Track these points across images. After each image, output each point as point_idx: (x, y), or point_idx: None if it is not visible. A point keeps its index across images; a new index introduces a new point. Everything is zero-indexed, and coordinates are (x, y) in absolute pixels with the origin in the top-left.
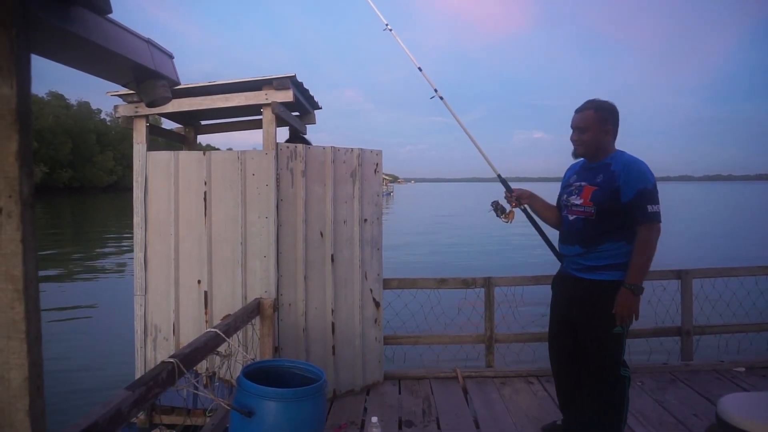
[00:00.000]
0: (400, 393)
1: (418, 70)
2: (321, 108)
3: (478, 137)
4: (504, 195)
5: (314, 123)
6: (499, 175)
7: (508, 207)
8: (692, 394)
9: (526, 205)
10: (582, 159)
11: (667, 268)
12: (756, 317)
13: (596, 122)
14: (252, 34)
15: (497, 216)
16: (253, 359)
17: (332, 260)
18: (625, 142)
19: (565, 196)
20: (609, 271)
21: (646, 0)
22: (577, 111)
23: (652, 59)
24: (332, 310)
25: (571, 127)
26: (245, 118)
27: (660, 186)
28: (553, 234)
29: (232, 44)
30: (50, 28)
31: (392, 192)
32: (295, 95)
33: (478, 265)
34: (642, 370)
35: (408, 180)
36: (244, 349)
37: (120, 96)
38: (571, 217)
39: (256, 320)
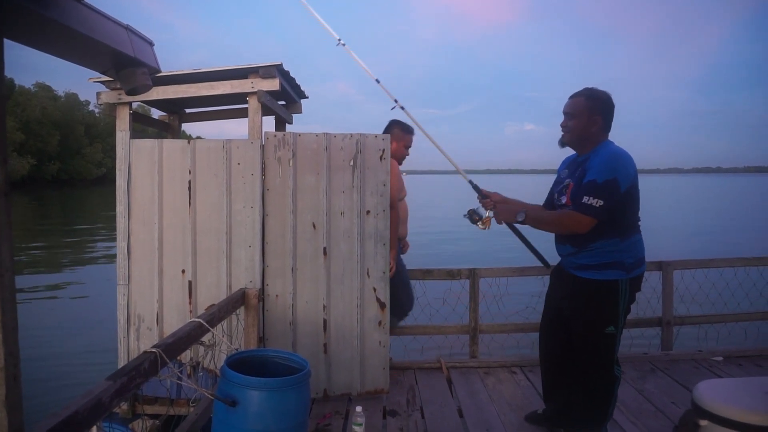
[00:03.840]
0: None
1: (376, 82)
2: (308, 97)
3: (469, 130)
4: (478, 200)
5: (300, 112)
6: (470, 181)
7: (484, 213)
8: (671, 382)
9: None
10: (575, 153)
11: (648, 259)
12: (734, 307)
13: (585, 110)
14: (243, 25)
15: (473, 223)
16: (236, 349)
17: (325, 253)
18: (616, 134)
19: (556, 195)
20: (602, 270)
21: None
22: (571, 97)
23: (644, 51)
24: (324, 306)
25: (563, 112)
26: (231, 106)
27: (649, 178)
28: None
29: (223, 35)
30: (25, 12)
31: None
32: (281, 84)
33: (465, 254)
34: (622, 360)
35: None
36: (229, 339)
37: (103, 83)
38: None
39: (241, 310)
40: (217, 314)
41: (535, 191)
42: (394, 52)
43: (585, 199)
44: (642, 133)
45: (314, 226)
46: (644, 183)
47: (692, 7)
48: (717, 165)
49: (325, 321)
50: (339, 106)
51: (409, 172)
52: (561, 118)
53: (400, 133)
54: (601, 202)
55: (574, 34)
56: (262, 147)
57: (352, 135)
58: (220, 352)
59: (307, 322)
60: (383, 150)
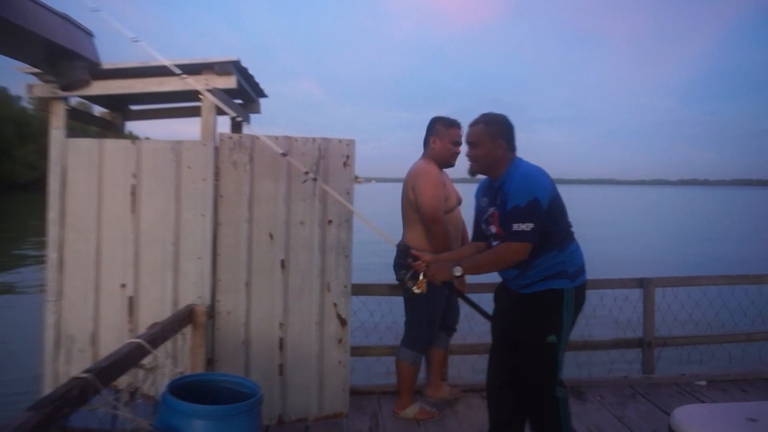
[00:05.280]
0: None
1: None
2: (267, 96)
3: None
4: (407, 263)
5: (258, 112)
6: (397, 244)
7: (417, 275)
8: (652, 408)
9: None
10: (487, 178)
11: (628, 276)
12: (718, 328)
13: (487, 137)
14: (197, 17)
15: (405, 283)
16: (181, 373)
17: (282, 266)
18: (600, 143)
19: (483, 225)
20: (547, 280)
21: None
22: (470, 125)
23: (629, 56)
24: (281, 323)
25: (465, 142)
26: (182, 104)
27: (634, 190)
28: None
29: (176, 28)
30: None
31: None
32: (238, 81)
33: None
34: (601, 384)
35: (368, 179)
36: (173, 362)
37: (34, 74)
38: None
39: (188, 329)
40: (161, 334)
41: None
42: (362, 50)
43: (515, 226)
44: (627, 142)
45: (271, 237)
46: (630, 195)
47: (679, 11)
48: (704, 177)
49: (281, 340)
50: (302, 107)
51: (379, 180)
52: (543, 124)
53: (442, 129)
54: (530, 225)
55: (557, 37)
56: (216, 150)
57: (314, 139)
58: (163, 377)
59: (261, 341)
60: (347, 156)
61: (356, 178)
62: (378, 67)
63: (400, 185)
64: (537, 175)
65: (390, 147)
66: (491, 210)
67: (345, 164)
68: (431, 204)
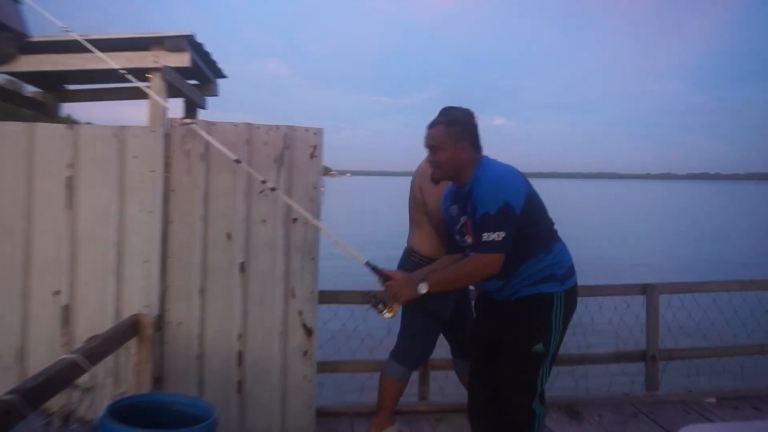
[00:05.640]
0: None
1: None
2: (226, 77)
3: (428, 120)
4: (378, 283)
5: (216, 95)
6: (366, 263)
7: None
8: (656, 429)
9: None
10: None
11: (631, 281)
12: (729, 339)
13: (448, 140)
14: None
15: (378, 313)
16: (124, 393)
17: (242, 270)
18: (601, 133)
19: (458, 236)
20: (536, 284)
21: None
22: (429, 127)
23: (634, 36)
24: (240, 335)
25: (425, 145)
26: (127, 84)
27: (639, 185)
28: None
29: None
30: None
31: (322, 187)
32: (192, 59)
33: None
34: (600, 402)
35: (343, 172)
36: (114, 381)
37: None
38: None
39: (132, 343)
40: (100, 348)
41: None
42: (337, 26)
43: (485, 236)
44: (630, 132)
45: (229, 237)
46: (635, 190)
47: None
48: (715, 170)
49: (240, 353)
50: (268, 91)
51: (355, 173)
52: (539, 111)
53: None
54: (502, 234)
55: (555, 15)
56: (166, 137)
57: (278, 127)
58: (102, 398)
59: (217, 355)
60: (314, 146)
61: (329, 171)
62: (355, 45)
63: (379, 179)
64: (506, 176)
65: (367, 136)
66: (463, 219)
67: (312, 155)
68: (440, 205)
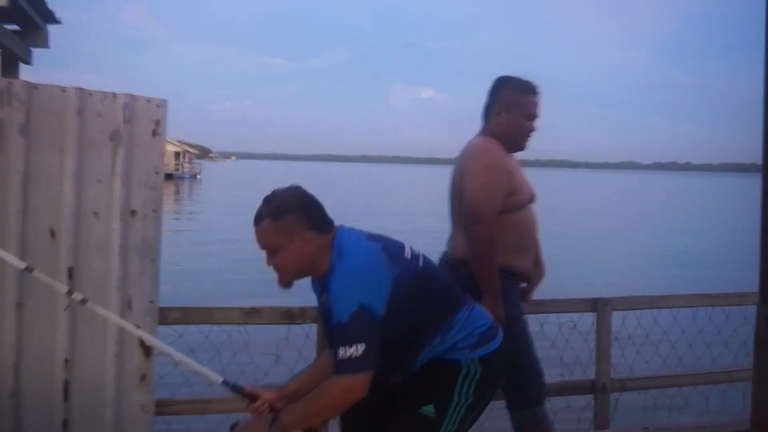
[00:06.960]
0: None
1: None
2: (60, 23)
3: (335, 93)
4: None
5: (46, 46)
6: (223, 381)
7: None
8: None
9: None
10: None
11: (580, 295)
12: (692, 363)
13: (284, 236)
14: None
15: None
16: None
17: (70, 276)
18: (550, 112)
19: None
20: (444, 353)
21: None
22: (255, 225)
23: None
24: (66, 360)
25: (261, 248)
26: None
27: (600, 174)
28: None
29: None
30: None
31: (199, 174)
32: None
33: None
34: None
35: (227, 155)
36: None
37: None
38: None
39: None
40: None
41: (436, 190)
42: None
43: (340, 352)
44: (587, 112)
45: (53, 234)
46: (588, 181)
47: None
48: (685, 160)
49: (65, 384)
50: (126, 44)
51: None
52: (475, 81)
53: (512, 96)
54: (362, 346)
55: None
56: None
57: (116, 95)
58: None
59: (37, 388)
60: (157, 121)
61: (209, 153)
62: None
63: (271, 164)
64: (360, 266)
65: (257, 108)
66: None
67: (154, 132)
68: (479, 197)
